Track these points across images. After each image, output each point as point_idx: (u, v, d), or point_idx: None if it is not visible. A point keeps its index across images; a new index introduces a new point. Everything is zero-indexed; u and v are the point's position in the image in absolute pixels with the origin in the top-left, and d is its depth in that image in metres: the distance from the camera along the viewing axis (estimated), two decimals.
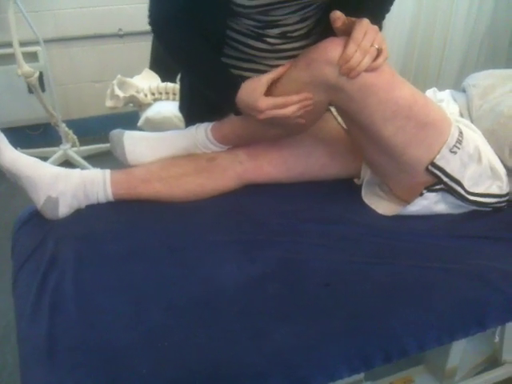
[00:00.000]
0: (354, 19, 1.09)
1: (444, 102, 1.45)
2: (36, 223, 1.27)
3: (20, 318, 1.03)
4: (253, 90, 1.18)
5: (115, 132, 1.36)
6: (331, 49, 1.09)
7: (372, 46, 1.07)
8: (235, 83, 1.22)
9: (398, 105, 1.14)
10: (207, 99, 1.34)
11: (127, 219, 1.27)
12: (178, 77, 2.38)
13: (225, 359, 0.93)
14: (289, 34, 1.29)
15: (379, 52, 1.09)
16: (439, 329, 1.02)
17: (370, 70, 1.09)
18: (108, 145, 1.40)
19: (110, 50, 3.15)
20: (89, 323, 0.99)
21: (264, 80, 1.18)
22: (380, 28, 1.15)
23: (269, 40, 1.29)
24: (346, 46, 1.07)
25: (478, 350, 1.48)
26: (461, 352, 1.32)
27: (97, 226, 1.25)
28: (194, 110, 1.53)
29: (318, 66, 1.11)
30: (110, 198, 1.29)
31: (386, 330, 0.99)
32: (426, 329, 1.01)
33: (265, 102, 1.16)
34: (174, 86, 2.34)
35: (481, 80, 1.47)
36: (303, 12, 1.24)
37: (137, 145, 1.35)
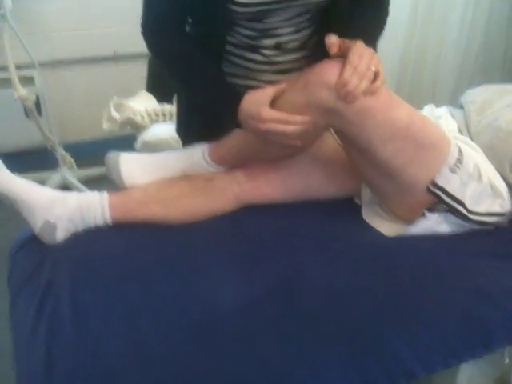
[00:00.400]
0: (349, 42, 1.09)
1: (442, 118, 1.45)
2: (33, 247, 1.25)
3: (18, 343, 1.03)
4: (257, 101, 1.16)
5: (111, 155, 1.35)
6: (328, 72, 1.09)
7: (369, 69, 1.07)
8: (237, 92, 1.21)
9: (396, 126, 1.14)
10: (204, 119, 1.33)
11: (125, 242, 1.26)
12: (175, 98, 2.40)
13: (221, 379, 0.92)
14: (283, 46, 1.29)
15: (376, 75, 1.08)
16: (445, 351, 1.00)
17: (369, 93, 1.09)
18: (104, 169, 1.39)
19: (105, 73, 3.15)
20: (86, 348, 0.98)
21: (269, 91, 1.16)
22: (375, 49, 1.15)
23: (264, 51, 1.30)
24: (342, 70, 1.06)
25: (485, 373, 1.44)
26: (468, 376, 1.28)
27: (94, 250, 1.23)
28: (191, 130, 1.52)
29: (314, 89, 1.11)
30: (108, 221, 1.27)
31: (390, 352, 0.98)
32: (431, 351, 0.99)
33: (268, 113, 1.14)
34: (171, 108, 2.34)
35: (477, 96, 1.47)
36: (296, 21, 1.25)
37: (133, 167, 1.34)
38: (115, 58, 3.13)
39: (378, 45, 1.26)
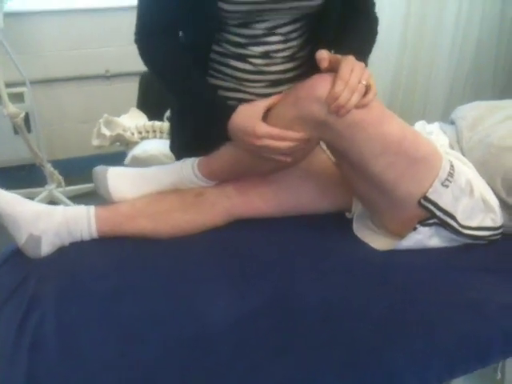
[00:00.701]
0: (339, 56, 1.09)
1: (433, 134, 1.45)
2: (17, 262, 1.22)
3: None
4: (250, 115, 1.16)
5: (98, 169, 1.33)
6: (319, 86, 1.08)
7: (360, 82, 1.06)
8: (226, 106, 1.20)
9: (387, 141, 1.13)
10: (196, 133, 1.32)
11: (112, 256, 1.23)
12: (166, 115, 2.40)
13: None
14: (272, 55, 1.29)
15: (368, 88, 1.08)
16: (440, 365, 0.98)
17: (360, 106, 1.08)
18: (92, 185, 1.37)
19: (96, 91, 3.15)
20: (71, 364, 0.95)
21: (262, 105, 1.16)
22: (366, 64, 1.15)
23: (252, 60, 1.29)
24: (333, 84, 1.06)
25: None
26: None
27: (80, 264, 1.20)
28: (185, 146, 1.49)
29: (305, 103, 1.10)
30: (95, 235, 1.25)
31: (386, 366, 0.96)
32: (426, 365, 0.97)
33: (264, 129, 1.13)
34: (162, 125, 2.33)
35: (468, 112, 1.48)
36: (286, 30, 1.26)
37: (121, 181, 1.32)
38: (107, 77, 3.14)
39: (368, 61, 1.26)
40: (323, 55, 1.08)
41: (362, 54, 1.23)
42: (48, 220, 1.20)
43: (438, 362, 0.98)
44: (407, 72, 3.10)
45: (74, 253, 1.24)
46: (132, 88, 2.78)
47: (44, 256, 1.21)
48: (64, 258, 1.22)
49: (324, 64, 1.08)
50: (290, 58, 1.32)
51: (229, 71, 1.32)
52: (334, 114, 1.07)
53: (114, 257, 1.24)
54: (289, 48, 1.30)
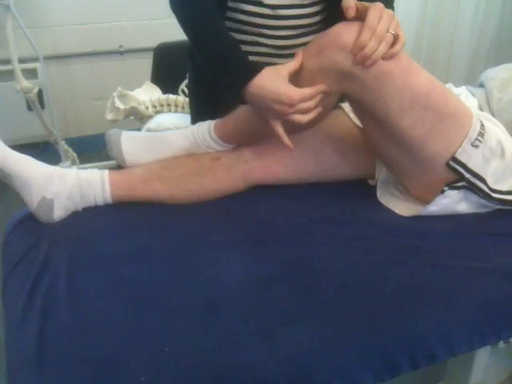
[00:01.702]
0: (367, 4, 1.03)
1: (462, 95, 1.38)
2: (29, 226, 1.19)
3: (9, 322, 0.96)
4: (278, 80, 1.08)
5: (112, 132, 1.29)
6: (344, 34, 1.02)
7: (388, 31, 1.00)
8: (252, 66, 1.12)
9: (415, 93, 1.06)
10: (217, 98, 1.26)
11: (126, 221, 1.20)
12: (180, 88, 2.35)
13: (230, 365, 0.85)
14: None
15: (396, 38, 1.02)
16: (468, 330, 0.94)
17: (387, 57, 1.02)
18: (108, 162, 1.33)
19: (110, 67, 3.11)
20: (82, 328, 0.91)
21: (287, 70, 1.08)
22: (393, 11, 1.09)
23: (269, 2, 1.22)
24: (360, 33, 1.00)
25: (502, 365, 1.38)
26: (484, 367, 1.22)
27: (93, 229, 1.17)
28: (204, 113, 1.42)
29: (329, 53, 1.04)
30: (109, 199, 1.21)
31: (410, 331, 0.91)
32: (453, 330, 0.93)
33: (298, 94, 1.05)
34: (176, 98, 2.27)
35: (498, 73, 1.42)
36: None
37: (135, 145, 1.28)
38: (120, 53, 3.10)
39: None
40: (350, 3, 1.02)
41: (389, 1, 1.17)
42: (61, 182, 1.16)
43: (467, 326, 0.94)
44: (428, 38, 3.02)
45: (86, 218, 1.20)
46: (146, 64, 2.72)
47: (56, 221, 1.18)
48: (76, 222, 1.19)
49: (351, 13, 1.02)
50: (311, 4, 1.25)
51: (245, 18, 1.26)
52: (360, 64, 1.01)
53: (127, 222, 1.20)
54: None
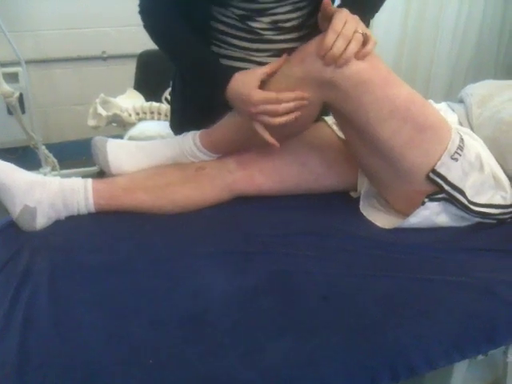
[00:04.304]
0: (334, 9, 1.06)
1: (442, 111, 1.41)
2: (10, 234, 1.17)
3: None
4: (246, 82, 1.12)
5: (98, 139, 1.29)
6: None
7: (356, 32, 1.03)
8: (226, 71, 1.17)
9: (395, 104, 1.09)
10: (198, 106, 1.27)
11: (108, 231, 1.19)
12: (163, 96, 2.34)
13: (215, 377, 0.85)
14: (280, 25, 1.24)
15: (366, 38, 1.04)
16: (447, 344, 0.95)
17: (361, 57, 1.05)
18: (89, 169, 1.33)
19: (92, 73, 3.09)
20: (64, 339, 0.91)
21: (258, 72, 1.13)
22: (368, 24, 1.12)
23: (259, 31, 1.25)
24: (324, 36, 1.03)
25: (479, 377, 1.40)
26: (462, 379, 1.23)
27: (76, 238, 1.16)
28: (186, 122, 1.44)
29: (311, 60, 1.06)
30: (91, 208, 1.21)
31: (391, 343, 0.92)
32: (433, 343, 0.94)
33: (259, 95, 1.10)
34: (159, 106, 2.27)
35: (477, 89, 1.45)
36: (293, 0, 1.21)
37: (120, 153, 1.28)
38: (103, 59, 3.08)
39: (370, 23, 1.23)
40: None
41: (367, 14, 1.20)
42: (44, 190, 1.16)
43: (445, 341, 0.95)
44: (407, 57, 3.06)
45: (69, 226, 1.20)
46: (129, 70, 2.71)
47: (39, 229, 1.17)
48: (59, 230, 1.18)
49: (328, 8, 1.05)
50: (298, 27, 1.27)
51: (235, 41, 1.28)
52: (330, 65, 1.04)
53: (111, 232, 1.19)
54: (298, 17, 1.26)
